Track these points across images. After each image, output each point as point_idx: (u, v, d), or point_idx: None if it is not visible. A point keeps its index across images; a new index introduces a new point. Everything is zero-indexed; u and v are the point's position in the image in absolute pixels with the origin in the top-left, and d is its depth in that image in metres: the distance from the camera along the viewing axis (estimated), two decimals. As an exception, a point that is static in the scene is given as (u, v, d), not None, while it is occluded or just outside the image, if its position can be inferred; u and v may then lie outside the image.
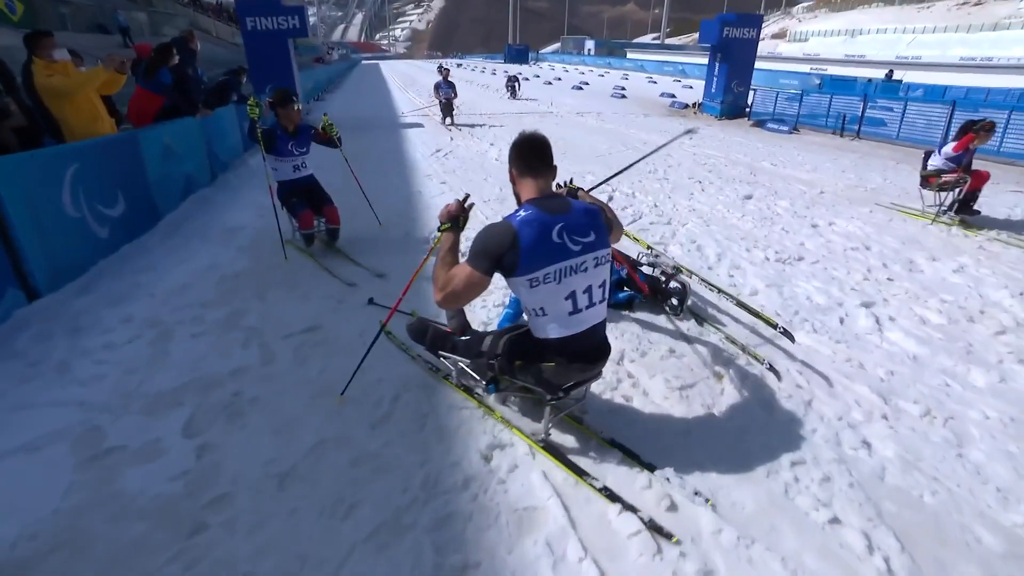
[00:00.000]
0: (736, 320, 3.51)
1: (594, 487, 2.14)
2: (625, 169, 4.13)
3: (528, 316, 2.07)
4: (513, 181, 2.11)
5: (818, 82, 20.59)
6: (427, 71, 40.48)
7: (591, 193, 2.69)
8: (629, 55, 55.15)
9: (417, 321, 2.84)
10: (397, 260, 4.48)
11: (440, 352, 2.63)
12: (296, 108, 4.45)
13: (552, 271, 1.89)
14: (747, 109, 14.81)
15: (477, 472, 2.23)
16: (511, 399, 2.64)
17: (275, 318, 3.55)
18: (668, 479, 2.15)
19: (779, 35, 71.03)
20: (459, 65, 49.62)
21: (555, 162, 2.05)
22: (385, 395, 2.75)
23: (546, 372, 2.07)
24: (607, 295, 2.08)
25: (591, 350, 2.11)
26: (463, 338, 2.49)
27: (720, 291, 3.68)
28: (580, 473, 2.21)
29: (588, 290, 1.99)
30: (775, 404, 2.66)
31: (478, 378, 2.49)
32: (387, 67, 51.07)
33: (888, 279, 4.26)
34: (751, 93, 14.95)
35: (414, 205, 6.32)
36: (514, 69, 24.21)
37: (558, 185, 2.54)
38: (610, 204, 6.22)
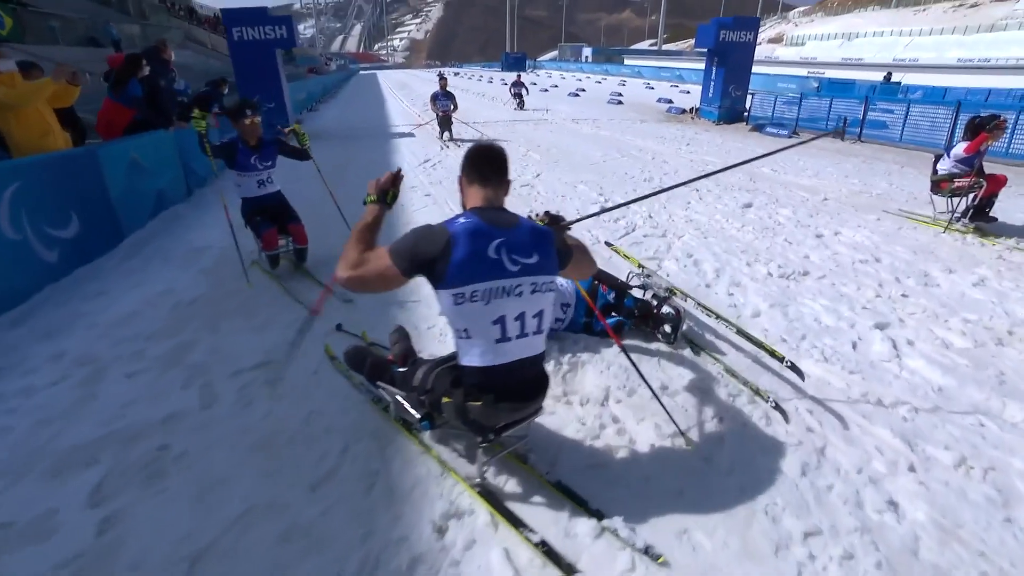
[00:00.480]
0: (737, 348, 3.14)
1: (530, 541, 1.86)
2: (650, 196, 3.75)
3: (453, 337, 1.84)
4: (461, 190, 1.95)
5: (816, 85, 20.31)
6: (424, 80, 40.41)
7: (574, 225, 2.44)
8: (627, 61, 55.10)
9: (354, 349, 2.54)
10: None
11: (378, 382, 2.36)
12: (251, 121, 4.10)
13: (481, 289, 1.70)
14: (745, 114, 14.51)
15: (427, 550, 1.86)
16: (452, 436, 2.30)
17: (225, 352, 3.19)
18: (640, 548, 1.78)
19: (776, 39, 71.03)
20: (456, 74, 49.59)
21: (510, 176, 1.92)
22: (332, 448, 2.38)
23: (472, 412, 1.86)
24: (544, 327, 1.87)
25: (521, 386, 1.89)
26: (400, 369, 2.22)
27: (719, 317, 3.31)
28: (516, 524, 1.93)
29: (520, 318, 1.78)
30: (783, 453, 2.29)
31: (414, 413, 2.14)
32: (384, 77, 51.06)
33: (902, 295, 3.89)
34: (749, 97, 14.65)
35: (392, 221, 5.97)
36: (514, 76, 23.93)
37: (539, 216, 2.26)
38: (604, 215, 5.90)
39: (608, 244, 4.90)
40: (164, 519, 2.02)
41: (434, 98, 11.32)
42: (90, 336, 3.34)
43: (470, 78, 43.97)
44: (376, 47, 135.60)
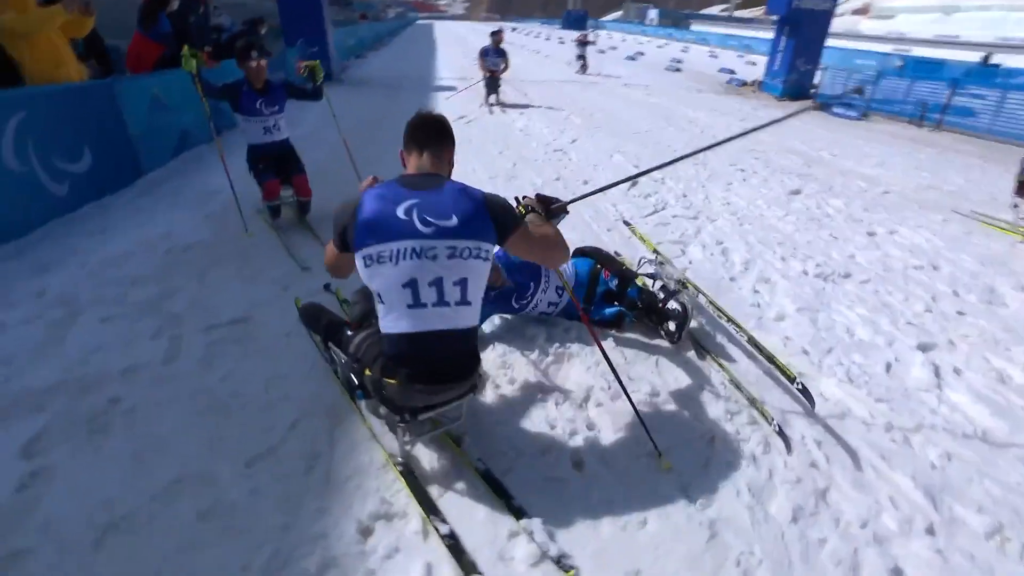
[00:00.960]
0: (749, 355, 2.78)
1: (439, 532, 1.73)
2: (667, 163, 3.33)
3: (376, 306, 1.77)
4: (402, 160, 1.93)
5: (900, 63, 18.43)
6: (480, 33, 39.11)
7: (571, 204, 2.28)
8: (693, 27, 51.83)
9: (311, 306, 2.37)
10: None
11: (329, 344, 2.20)
12: (257, 64, 3.87)
13: (388, 250, 1.64)
14: (812, 90, 13.31)
15: (344, 553, 1.68)
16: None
17: (205, 304, 3.08)
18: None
19: (861, 11, 65.01)
20: (513, 29, 47.89)
21: (451, 147, 1.92)
22: (282, 420, 2.22)
23: (387, 389, 1.77)
24: (472, 299, 1.74)
25: (439, 365, 1.77)
26: (349, 333, 2.06)
27: (730, 320, 2.94)
28: (429, 510, 1.82)
29: (437, 284, 1.67)
30: (774, 491, 1.98)
31: (354, 380, 1.99)
32: (441, 27, 49.89)
33: (958, 312, 3.39)
34: (819, 72, 13.40)
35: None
36: (577, 35, 22.78)
37: (526, 199, 2.17)
38: (633, 188, 5.48)
39: (626, 223, 4.51)
40: (92, 480, 1.92)
41: (483, 53, 10.01)
42: (78, 275, 3.29)
43: (527, 34, 42.43)
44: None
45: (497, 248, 1.80)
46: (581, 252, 3.13)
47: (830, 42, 14.16)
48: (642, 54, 26.08)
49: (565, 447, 2.13)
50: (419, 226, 1.63)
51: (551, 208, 2.17)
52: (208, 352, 2.66)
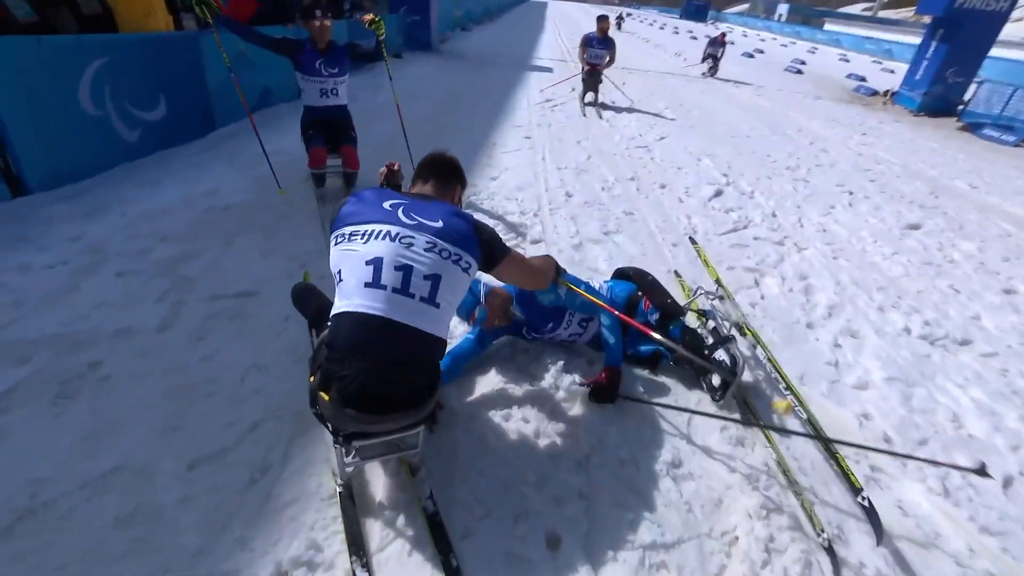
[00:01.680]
0: (805, 432, 2.22)
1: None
2: None
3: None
4: None
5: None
6: (593, 16, 38.01)
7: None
8: (828, 26, 47.14)
9: (304, 287, 2.10)
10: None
11: (314, 330, 1.92)
12: (321, 23, 3.70)
13: (362, 229, 1.57)
14: (960, 107, 11.45)
15: (246, 606, 1.43)
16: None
17: (220, 271, 2.97)
18: None
19: (1042, 19, 55.79)
20: (629, 15, 46.05)
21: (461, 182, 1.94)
22: (245, 418, 2.02)
23: (321, 404, 1.52)
24: (442, 302, 1.55)
25: (381, 375, 1.47)
26: (329, 323, 1.77)
27: (788, 387, 2.37)
28: (356, 549, 1.58)
29: (404, 271, 1.51)
30: (807, 636, 1.48)
31: None
32: (554, 7, 49.05)
33: (1118, 417, 2.57)
34: (973, 87, 11.48)
35: (472, 158, 5.42)
36: (714, 31, 21.37)
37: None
38: (716, 199, 4.87)
39: (692, 241, 3.94)
40: (34, 452, 1.80)
41: (586, 43, 8.18)
42: (115, 225, 3.30)
43: (642, 21, 40.65)
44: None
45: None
46: (623, 274, 2.68)
47: (995, 51, 12.09)
48: (761, 52, 24.05)
49: (545, 515, 1.74)
50: (402, 217, 1.59)
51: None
52: (203, 326, 2.53)
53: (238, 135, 5.37)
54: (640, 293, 2.52)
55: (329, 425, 1.52)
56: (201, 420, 2.00)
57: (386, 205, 1.62)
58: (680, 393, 2.38)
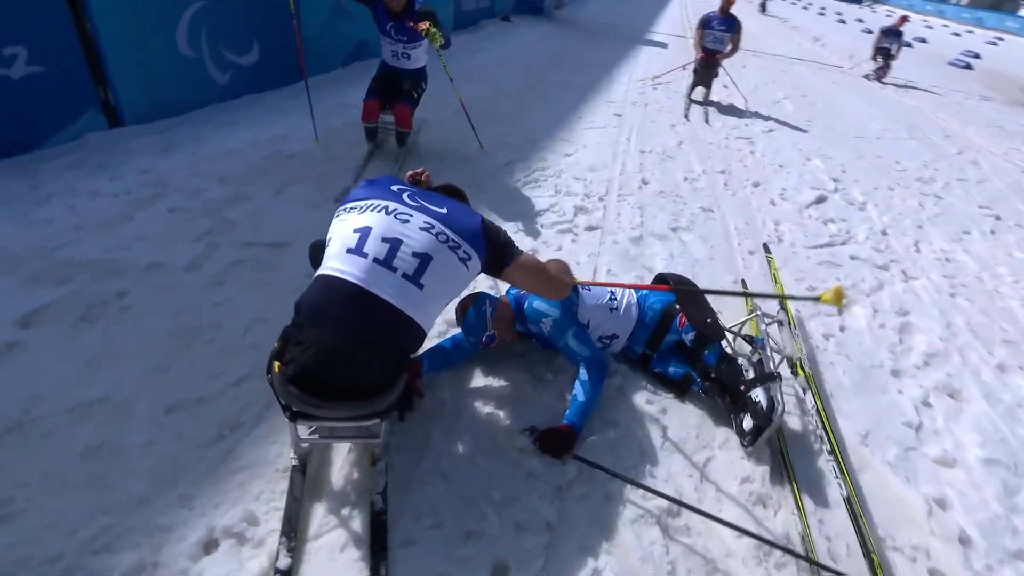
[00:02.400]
0: (850, 503, 1.81)
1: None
2: None
3: None
4: None
5: None
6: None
7: None
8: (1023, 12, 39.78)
9: (322, 242, 2.00)
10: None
11: None
12: None
13: (361, 203, 1.56)
14: None
15: (165, 564, 1.38)
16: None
17: (262, 218, 3.01)
18: None
19: None
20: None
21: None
22: (234, 370, 2.00)
23: (271, 374, 1.40)
24: (427, 284, 1.44)
25: (328, 351, 1.34)
26: None
27: (833, 450, 1.92)
28: (287, 529, 1.48)
29: (392, 244, 1.44)
30: None
31: None
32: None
33: None
34: None
35: (551, 131, 5.12)
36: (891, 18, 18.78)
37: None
38: (816, 206, 4.24)
39: (766, 248, 3.42)
40: (41, 369, 1.90)
41: (704, 24, 6.60)
42: (183, 162, 3.45)
43: (794, 3, 36.80)
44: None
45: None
46: (662, 280, 2.33)
47: None
48: (923, 40, 20.92)
49: (499, 541, 1.54)
50: (406, 199, 1.57)
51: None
52: (228, 271, 2.55)
53: (325, 84, 5.46)
54: (677, 307, 2.17)
55: (280, 399, 1.42)
56: (192, 366, 2.00)
57: (394, 188, 1.63)
58: (705, 429, 2.04)
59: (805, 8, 30.41)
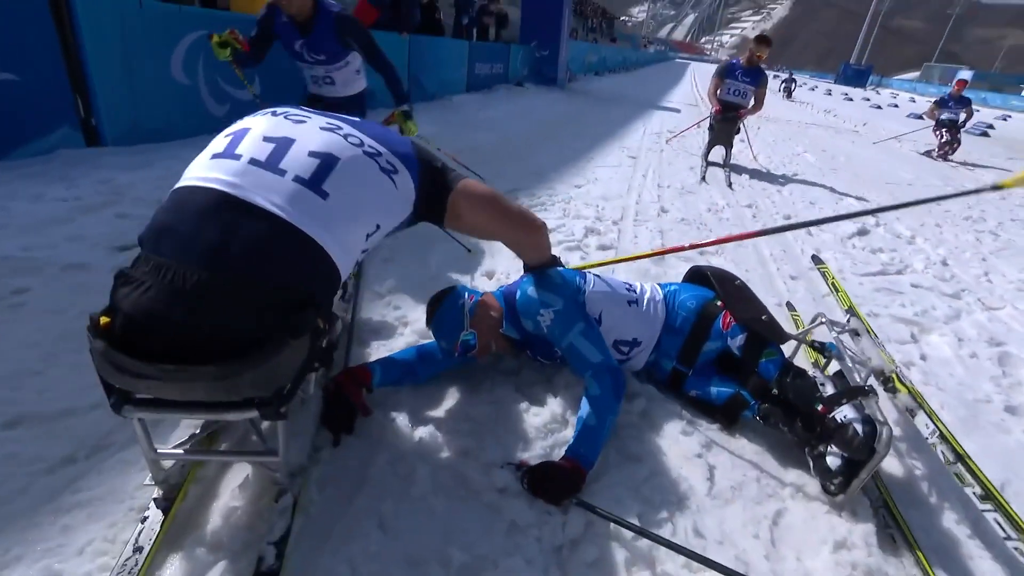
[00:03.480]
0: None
1: None
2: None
3: None
4: None
5: None
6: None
7: None
8: (1025, 95, 40.74)
9: None
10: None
11: None
12: None
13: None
14: None
15: None
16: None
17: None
18: None
19: None
20: (775, 76, 43.83)
21: None
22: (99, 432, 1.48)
23: (90, 338, 0.88)
24: (327, 188, 0.97)
25: (172, 281, 0.85)
26: None
27: (989, 491, 1.29)
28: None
29: (281, 144, 0.99)
30: None
31: None
32: (697, 67, 48.37)
33: None
34: None
35: (560, 167, 4.81)
36: (858, 93, 19.29)
37: None
38: (859, 237, 3.76)
39: (816, 259, 2.89)
40: None
41: (724, 73, 5.50)
42: (150, 176, 3.14)
43: (801, 85, 38.25)
44: (703, 40, 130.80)
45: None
46: (698, 274, 1.83)
47: None
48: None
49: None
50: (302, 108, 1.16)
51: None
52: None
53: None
54: (719, 304, 1.64)
55: (99, 374, 0.91)
56: (73, 372, 1.50)
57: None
58: (768, 469, 1.44)
59: (812, 89, 31.49)
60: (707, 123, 5.99)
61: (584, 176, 4.63)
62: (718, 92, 5.50)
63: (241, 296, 0.87)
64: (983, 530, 1.29)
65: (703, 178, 5.08)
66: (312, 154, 0.98)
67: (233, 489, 1.17)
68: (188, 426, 1.24)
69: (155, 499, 1.10)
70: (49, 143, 3.27)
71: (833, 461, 1.32)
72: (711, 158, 5.53)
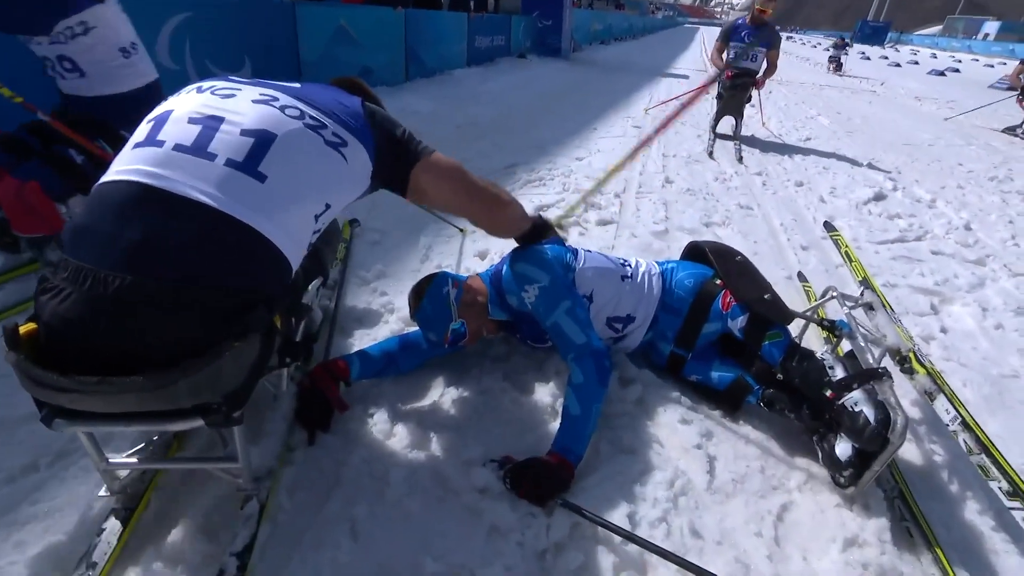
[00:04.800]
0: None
1: None
2: None
3: None
4: None
5: None
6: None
7: None
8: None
9: None
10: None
11: None
12: None
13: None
14: None
15: None
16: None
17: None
18: None
19: None
20: (789, 38, 42.36)
21: None
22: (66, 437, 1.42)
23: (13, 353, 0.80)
24: (265, 171, 0.86)
25: (94, 288, 0.76)
26: None
27: (1014, 483, 1.18)
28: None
29: (206, 124, 0.88)
30: None
31: None
32: (708, 31, 46.92)
33: None
34: None
35: (562, 139, 4.65)
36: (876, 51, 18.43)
37: None
38: (874, 203, 3.58)
39: (828, 225, 2.74)
40: None
41: (729, 35, 4.95)
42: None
43: (803, 44, 37.04)
44: (712, 3, 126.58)
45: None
46: (696, 251, 1.71)
47: None
48: (956, 70, 20.32)
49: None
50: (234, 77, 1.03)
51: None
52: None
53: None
54: (719, 283, 1.53)
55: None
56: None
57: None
58: (773, 461, 1.34)
59: (826, 50, 30.32)
60: (688, 97, 5.47)
61: (586, 148, 4.47)
62: (725, 55, 5.06)
63: (171, 300, 0.78)
64: (1007, 523, 1.19)
65: (711, 153, 4.65)
66: (245, 132, 0.87)
67: (198, 496, 1.11)
68: (147, 431, 1.18)
69: (114, 509, 1.04)
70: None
71: (843, 451, 1.22)
72: (719, 129, 5.04)
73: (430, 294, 1.44)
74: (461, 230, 2.54)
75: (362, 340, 1.70)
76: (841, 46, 15.95)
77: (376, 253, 2.31)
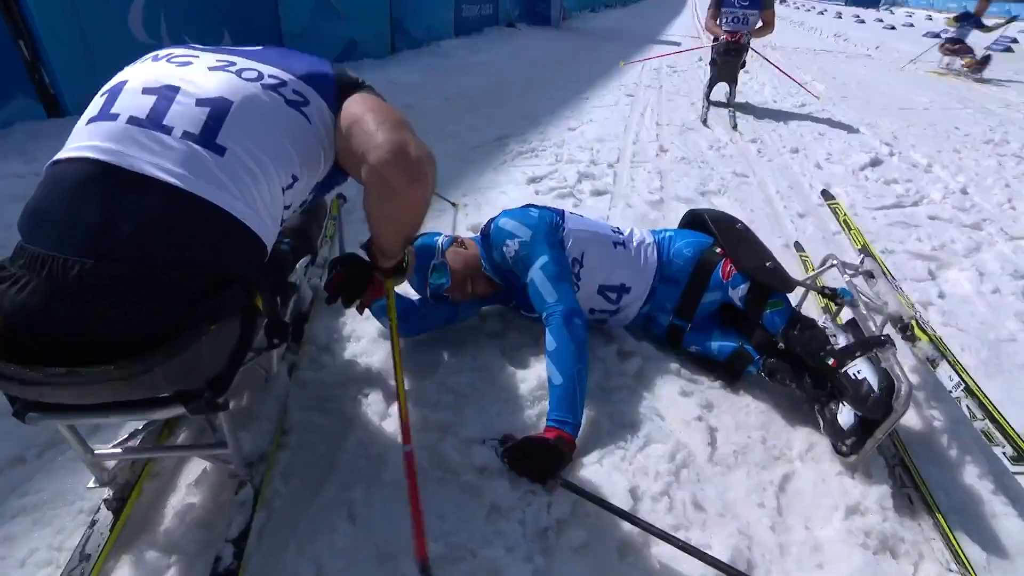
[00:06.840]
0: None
1: None
2: None
3: None
4: None
5: None
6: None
7: None
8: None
9: None
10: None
11: None
12: None
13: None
14: None
15: None
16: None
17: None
18: None
19: None
20: (782, 2, 41.41)
21: None
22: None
23: None
24: (224, 142, 0.80)
25: (54, 277, 0.71)
26: None
27: (1017, 447, 1.18)
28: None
29: (160, 95, 0.82)
30: None
31: None
32: (694, -2, 45.90)
33: None
34: None
35: (554, 110, 4.54)
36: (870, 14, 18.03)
37: None
38: (871, 168, 3.55)
39: (826, 193, 2.71)
40: None
41: (721, 1, 4.90)
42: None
43: (798, 8, 36.24)
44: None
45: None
46: (696, 220, 1.67)
47: None
48: (948, 30, 19.94)
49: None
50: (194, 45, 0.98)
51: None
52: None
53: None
54: (719, 251, 1.49)
55: None
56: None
57: None
58: (774, 430, 1.33)
59: (820, 13, 29.77)
60: (707, 54, 5.45)
61: (578, 118, 4.37)
62: (719, 20, 4.94)
63: (137, 284, 0.73)
64: (1008, 486, 1.19)
65: (705, 121, 4.56)
66: (201, 102, 0.81)
67: (191, 483, 1.08)
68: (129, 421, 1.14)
69: (105, 500, 1.02)
70: (4, 116, 3.08)
71: (846, 420, 1.20)
72: (713, 97, 4.95)
73: (422, 240, 1.44)
74: (454, 204, 2.48)
75: (353, 320, 1.66)
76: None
77: (367, 230, 2.25)
